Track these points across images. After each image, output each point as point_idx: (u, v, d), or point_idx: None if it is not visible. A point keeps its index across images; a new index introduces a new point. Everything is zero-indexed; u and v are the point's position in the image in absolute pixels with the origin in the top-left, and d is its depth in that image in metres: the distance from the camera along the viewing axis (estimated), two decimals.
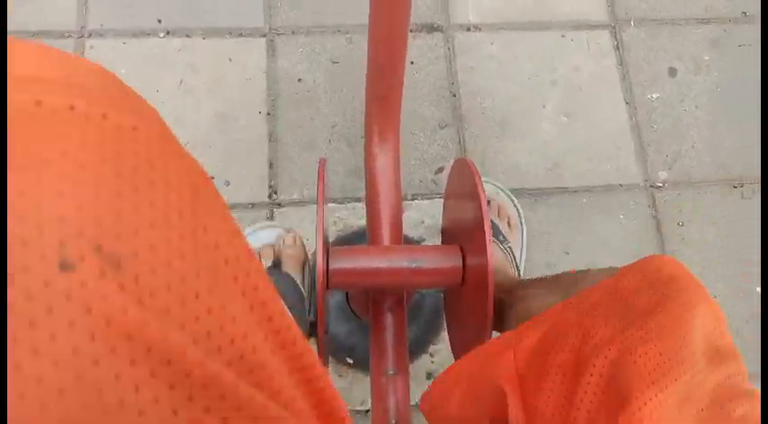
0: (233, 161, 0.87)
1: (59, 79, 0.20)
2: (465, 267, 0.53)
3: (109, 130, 0.19)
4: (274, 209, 0.84)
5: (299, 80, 0.92)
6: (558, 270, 0.84)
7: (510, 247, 0.75)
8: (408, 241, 0.81)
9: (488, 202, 0.79)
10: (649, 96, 0.96)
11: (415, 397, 0.74)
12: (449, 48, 0.96)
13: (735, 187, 0.92)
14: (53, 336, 0.15)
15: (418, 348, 0.76)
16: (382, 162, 0.66)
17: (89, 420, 0.15)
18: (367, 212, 0.63)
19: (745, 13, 1.02)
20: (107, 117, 0.19)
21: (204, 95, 0.90)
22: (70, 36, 0.91)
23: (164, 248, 0.18)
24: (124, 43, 0.92)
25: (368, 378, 0.74)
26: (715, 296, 0.37)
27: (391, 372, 0.53)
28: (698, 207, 0.90)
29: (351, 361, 0.74)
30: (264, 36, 0.94)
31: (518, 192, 0.88)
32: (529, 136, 0.92)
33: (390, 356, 0.54)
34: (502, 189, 0.83)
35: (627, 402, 0.29)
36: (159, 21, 0.93)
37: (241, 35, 0.94)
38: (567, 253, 0.86)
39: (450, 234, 0.63)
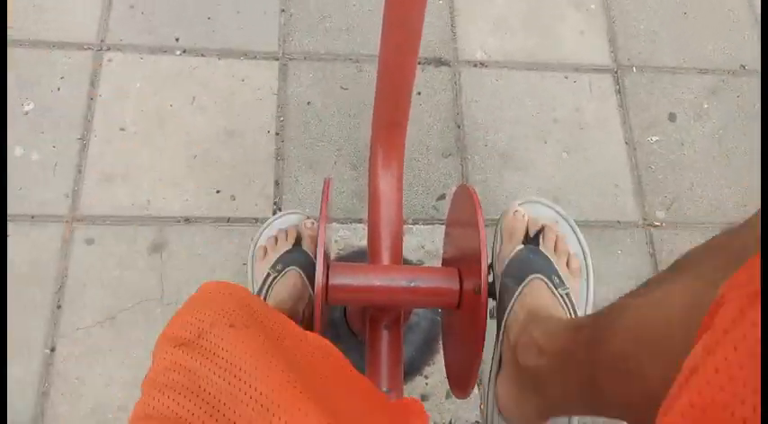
0: (240, 177, 0.88)
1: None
2: (462, 290, 0.54)
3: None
4: None
5: (309, 103, 0.94)
6: None
7: (567, 294, 0.56)
8: (408, 264, 0.82)
9: (543, 229, 0.61)
10: (649, 138, 0.98)
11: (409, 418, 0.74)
12: (455, 82, 0.99)
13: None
14: None
15: (413, 369, 0.76)
16: (386, 184, 0.68)
17: None
18: (368, 232, 0.65)
19: (743, 66, 1.05)
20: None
21: (215, 112, 0.92)
22: (90, 48, 0.94)
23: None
24: (141, 58, 0.95)
25: None
26: None
27: (386, 389, 0.53)
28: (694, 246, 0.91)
29: None
30: (278, 60, 0.97)
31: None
32: (529, 169, 0.94)
33: (385, 374, 0.55)
34: (565, 218, 0.63)
35: None
36: (177, 39, 0.96)
37: (255, 58, 0.97)
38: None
39: (450, 259, 0.64)
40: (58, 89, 0.91)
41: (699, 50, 1.05)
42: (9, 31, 0.94)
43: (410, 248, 0.84)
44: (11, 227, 0.82)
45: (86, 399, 0.75)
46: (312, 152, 0.91)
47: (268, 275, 0.67)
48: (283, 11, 1.00)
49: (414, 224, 0.88)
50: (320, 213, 0.53)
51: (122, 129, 0.90)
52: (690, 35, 1.06)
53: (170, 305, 0.80)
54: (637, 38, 1.05)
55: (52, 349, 0.77)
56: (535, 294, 0.55)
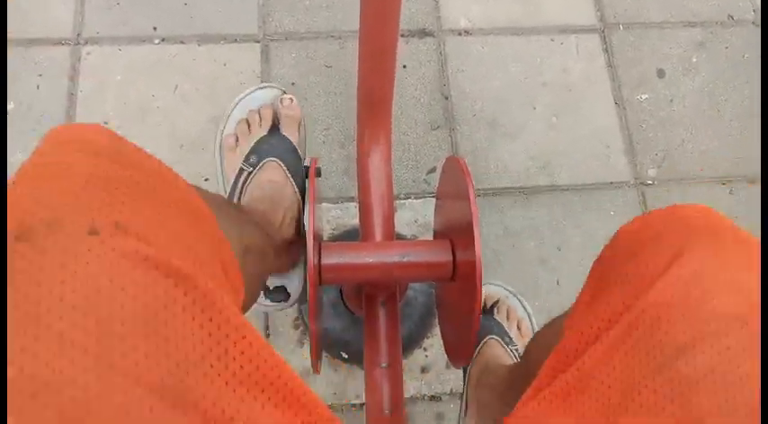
0: None
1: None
2: (455, 262, 0.54)
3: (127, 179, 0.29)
4: None
5: (293, 84, 0.93)
6: (552, 266, 0.85)
7: (517, 349, 0.71)
8: (401, 239, 0.82)
9: (497, 302, 0.77)
10: (638, 97, 0.97)
11: (409, 390, 0.75)
12: (440, 53, 0.97)
13: (723, 183, 0.93)
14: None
15: (412, 343, 0.77)
16: (374, 161, 0.67)
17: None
18: (359, 209, 0.64)
19: (731, 16, 1.03)
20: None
21: (199, 100, 0.91)
22: (67, 43, 0.93)
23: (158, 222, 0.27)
24: (120, 50, 0.93)
25: (362, 372, 0.74)
26: None
27: (384, 365, 0.54)
28: (688, 202, 0.91)
29: (345, 356, 0.74)
30: (258, 42, 0.96)
31: (509, 190, 0.89)
32: (519, 136, 0.93)
33: (384, 349, 0.55)
34: (512, 294, 0.79)
35: None
36: (155, 28, 0.95)
37: (235, 41, 0.95)
38: (559, 249, 0.87)
39: (442, 232, 0.64)
40: (38, 87, 0.90)
41: (685, 3, 1.04)
42: None
43: (403, 222, 0.84)
44: None
45: None
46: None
47: (241, 170, 0.58)
48: None
49: (406, 198, 0.88)
50: (308, 194, 0.52)
51: (106, 123, 0.89)
52: None
53: None
54: None
55: None
56: (491, 350, 0.69)
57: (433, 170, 0.90)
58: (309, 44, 0.96)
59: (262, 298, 0.66)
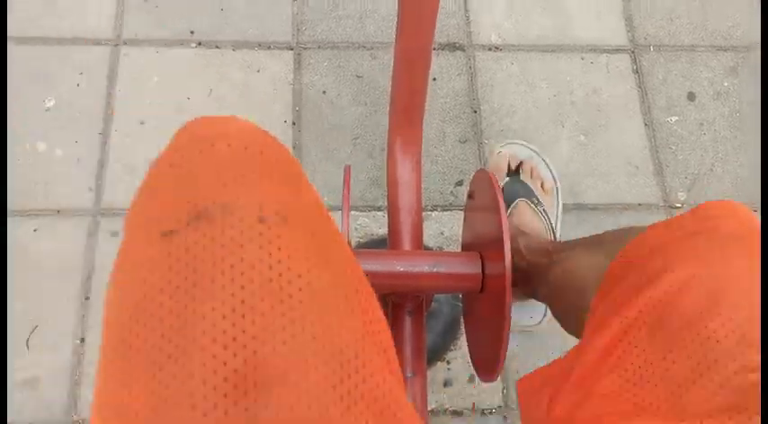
0: None
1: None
2: (484, 274, 0.54)
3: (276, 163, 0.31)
4: None
5: (324, 92, 0.95)
6: None
7: (544, 210, 0.76)
8: (428, 250, 0.83)
9: (521, 163, 0.81)
10: (668, 119, 0.97)
11: (431, 403, 0.75)
12: (470, 67, 0.98)
13: (754, 210, 0.92)
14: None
15: (435, 356, 0.77)
16: (404, 171, 0.68)
17: None
18: (388, 218, 0.65)
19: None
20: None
21: (232, 104, 0.93)
22: (106, 44, 0.95)
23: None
24: (157, 52, 0.95)
25: None
26: None
27: (409, 374, 0.54)
28: None
29: None
30: (292, 49, 0.97)
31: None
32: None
33: (409, 358, 0.55)
34: (536, 152, 0.83)
35: None
36: (191, 32, 0.97)
37: (269, 48, 0.97)
38: None
39: (470, 244, 0.65)
40: (78, 85, 0.92)
41: (717, 27, 1.03)
42: (29, 28, 0.95)
43: (430, 234, 0.85)
44: (38, 221, 0.84)
45: None
46: (328, 141, 0.92)
47: None
48: (296, 0, 1.00)
49: (432, 210, 0.88)
50: (343, 200, 0.53)
51: (142, 123, 0.91)
52: (708, 12, 1.04)
53: None
54: (653, 16, 1.04)
55: (82, 340, 0.79)
56: (521, 213, 0.75)
57: (460, 182, 0.90)
58: (341, 53, 0.97)
59: None
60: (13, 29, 0.94)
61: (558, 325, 0.54)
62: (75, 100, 0.91)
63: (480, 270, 0.54)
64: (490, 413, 0.78)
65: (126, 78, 0.93)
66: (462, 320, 0.76)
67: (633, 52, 1.01)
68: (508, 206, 0.75)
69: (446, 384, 0.77)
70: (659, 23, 1.03)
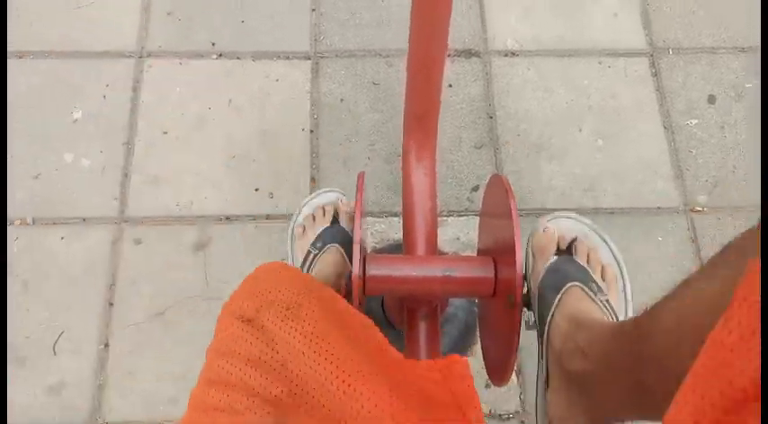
0: (277, 175, 0.91)
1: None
2: (497, 278, 0.55)
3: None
4: None
5: (341, 100, 0.96)
6: None
7: (607, 300, 0.56)
8: (443, 255, 0.83)
9: (574, 241, 0.60)
10: (688, 122, 0.96)
11: None
12: (486, 73, 0.99)
13: None
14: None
15: None
16: (418, 177, 0.68)
17: None
18: (403, 224, 0.66)
19: None
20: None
21: (251, 113, 0.95)
22: (131, 56, 0.98)
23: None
24: (180, 64, 0.98)
25: None
26: None
27: None
28: (739, 231, 0.89)
29: None
30: (310, 59, 0.99)
31: (553, 211, 0.89)
32: (564, 157, 0.93)
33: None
34: (595, 231, 0.62)
35: None
36: (213, 44, 0.99)
37: (288, 58, 0.99)
38: None
39: (485, 249, 0.65)
40: (104, 97, 0.95)
41: (737, 28, 1.02)
42: (56, 42, 0.98)
43: (445, 240, 0.85)
44: (64, 230, 0.87)
45: (138, 392, 0.79)
46: (346, 148, 0.93)
47: (308, 253, 0.69)
48: (314, 10, 1.02)
49: (448, 215, 0.89)
50: (355, 207, 0.54)
51: (165, 133, 0.93)
52: (727, 13, 1.03)
53: (214, 300, 0.83)
54: (672, 19, 1.03)
55: (106, 345, 0.81)
56: (575, 301, 0.55)
57: (476, 188, 0.91)
58: (358, 62, 0.99)
59: None
60: (39, 42, 0.98)
61: None
62: (101, 111, 0.94)
63: (493, 275, 0.54)
64: (507, 419, 0.78)
65: (150, 89, 0.96)
66: (477, 324, 0.76)
67: (652, 55, 1.00)
68: (558, 291, 0.56)
69: None
70: (678, 26, 1.02)
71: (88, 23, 1.00)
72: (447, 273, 0.54)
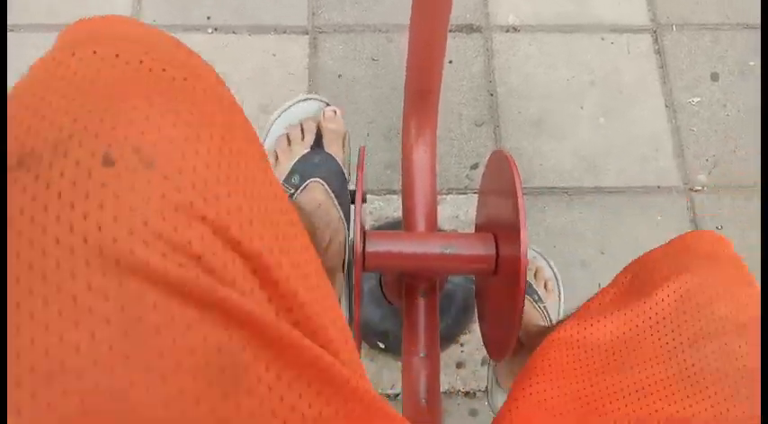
0: None
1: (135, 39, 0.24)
2: (498, 256, 0.54)
3: (166, 80, 0.23)
4: None
5: (339, 76, 0.94)
6: (593, 269, 0.84)
7: (545, 307, 0.73)
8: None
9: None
10: (690, 100, 0.95)
11: (444, 385, 0.75)
12: (487, 49, 0.97)
13: None
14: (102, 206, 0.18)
15: (448, 338, 0.77)
16: (419, 154, 0.68)
17: None
18: (403, 201, 0.65)
19: None
20: (165, 70, 0.23)
21: (248, 89, 0.93)
22: None
23: (192, 157, 0.20)
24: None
25: (398, 363, 0.75)
26: None
27: (423, 354, 0.54)
28: (738, 211, 0.88)
29: (382, 346, 0.75)
30: (307, 33, 0.97)
31: (553, 190, 0.89)
32: (565, 135, 0.92)
33: (422, 339, 0.55)
34: (540, 254, 0.81)
35: None
36: (208, 18, 0.97)
37: (285, 32, 0.97)
38: (603, 253, 0.86)
39: (485, 226, 0.64)
40: None
41: (742, 4, 1.00)
42: (48, 16, 0.96)
43: (444, 217, 0.84)
44: None
45: None
46: (345, 124, 0.91)
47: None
48: None
49: (447, 194, 0.88)
50: (357, 183, 0.53)
51: None
52: None
53: None
54: None
55: None
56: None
57: (476, 166, 0.90)
58: (357, 37, 0.97)
59: None
60: (32, 17, 0.96)
61: None
62: None
63: (494, 252, 0.54)
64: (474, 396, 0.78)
65: None
66: (475, 301, 0.76)
67: (655, 32, 0.99)
68: None
69: (459, 365, 0.77)
70: (682, 1, 1.01)
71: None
72: (446, 250, 0.53)
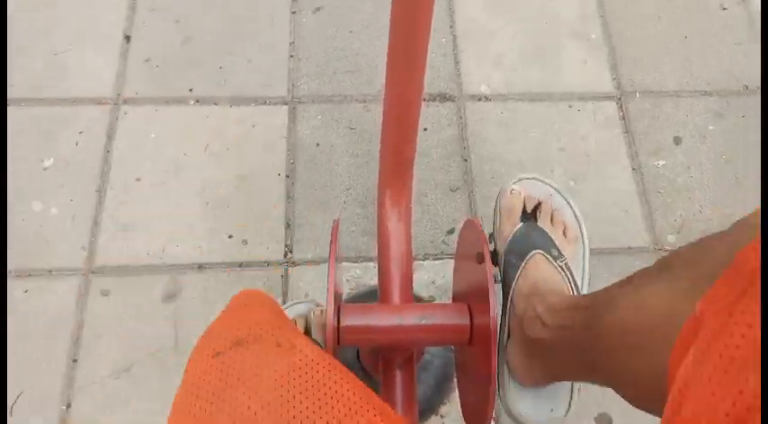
0: (251, 221, 0.90)
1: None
2: (472, 326, 0.54)
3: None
4: (288, 268, 0.87)
5: (317, 144, 0.97)
6: None
7: (565, 264, 0.60)
8: (419, 300, 0.82)
9: (539, 204, 0.65)
10: (655, 163, 0.98)
11: None
12: (460, 117, 1.01)
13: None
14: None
15: (428, 409, 0.76)
16: (394, 223, 0.69)
17: None
18: (378, 271, 0.65)
19: (746, 86, 1.06)
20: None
21: (228, 159, 0.95)
22: (107, 103, 0.98)
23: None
24: (156, 110, 0.98)
25: None
26: None
27: None
28: None
29: None
30: (287, 104, 1.00)
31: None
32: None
33: (400, 411, 0.55)
34: (558, 191, 0.67)
35: None
36: (190, 89, 1.00)
37: (265, 103, 1.00)
38: None
39: (460, 295, 0.65)
40: (77, 144, 0.95)
41: (701, 73, 1.06)
42: (32, 90, 0.98)
43: (421, 284, 0.85)
44: (30, 282, 0.85)
45: None
46: (322, 193, 0.93)
47: None
48: (292, 56, 1.04)
49: (424, 259, 0.89)
50: (329, 255, 0.54)
51: (138, 180, 0.93)
52: (691, 58, 1.07)
53: (184, 354, 0.80)
54: (638, 64, 1.07)
55: (68, 406, 0.78)
56: (536, 268, 0.60)
57: (451, 231, 0.91)
58: (335, 107, 1.00)
59: None
60: (16, 91, 0.98)
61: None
62: (73, 158, 0.93)
63: (468, 322, 0.54)
64: None
65: (125, 136, 0.96)
66: (455, 372, 0.75)
67: (620, 99, 1.04)
68: (522, 258, 0.60)
69: None
70: (644, 70, 1.06)
71: (64, 71, 1.00)
72: (422, 321, 0.53)
